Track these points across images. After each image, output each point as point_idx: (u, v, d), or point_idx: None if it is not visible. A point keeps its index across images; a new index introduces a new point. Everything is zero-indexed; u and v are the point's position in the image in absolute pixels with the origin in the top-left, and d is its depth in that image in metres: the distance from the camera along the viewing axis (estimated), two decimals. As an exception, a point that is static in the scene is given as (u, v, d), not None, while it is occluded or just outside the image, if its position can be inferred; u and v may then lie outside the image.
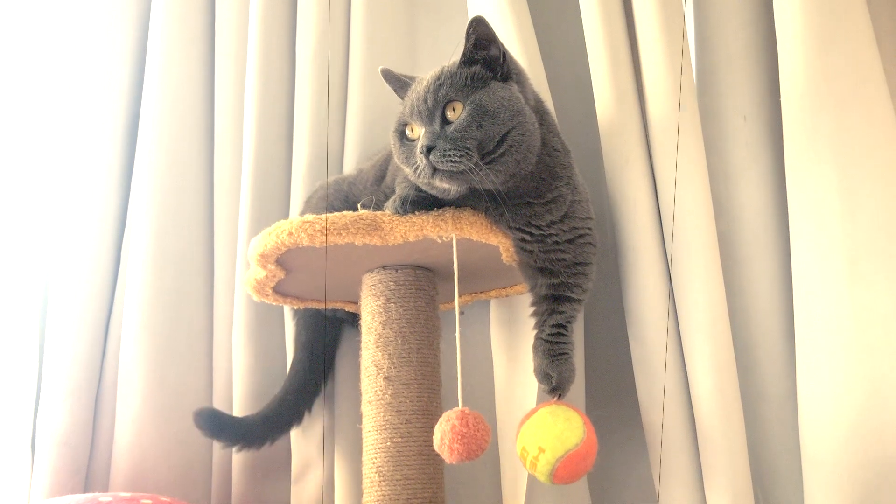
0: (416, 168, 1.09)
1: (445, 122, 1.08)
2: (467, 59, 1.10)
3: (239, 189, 1.63)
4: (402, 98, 1.17)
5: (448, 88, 1.08)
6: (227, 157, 1.69)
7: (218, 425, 1.43)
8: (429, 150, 1.05)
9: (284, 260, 1.23)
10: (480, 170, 1.06)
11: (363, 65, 1.58)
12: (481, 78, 1.09)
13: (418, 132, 1.10)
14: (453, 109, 1.08)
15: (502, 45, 1.11)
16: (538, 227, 1.17)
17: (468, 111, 1.07)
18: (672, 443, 1.23)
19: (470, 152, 1.05)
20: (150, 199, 1.66)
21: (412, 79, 1.17)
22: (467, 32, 1.08)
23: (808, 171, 1.18)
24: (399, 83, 1.19)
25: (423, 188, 1.14)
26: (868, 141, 1.15)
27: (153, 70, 1.72)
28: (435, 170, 1.06)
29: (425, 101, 1.09)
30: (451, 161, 1.05)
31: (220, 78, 1.74)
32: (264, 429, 1.45)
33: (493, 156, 1.07)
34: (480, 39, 1.09)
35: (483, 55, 1.10)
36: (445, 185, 1.09)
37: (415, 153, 1.09)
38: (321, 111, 1.59)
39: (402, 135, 1.14)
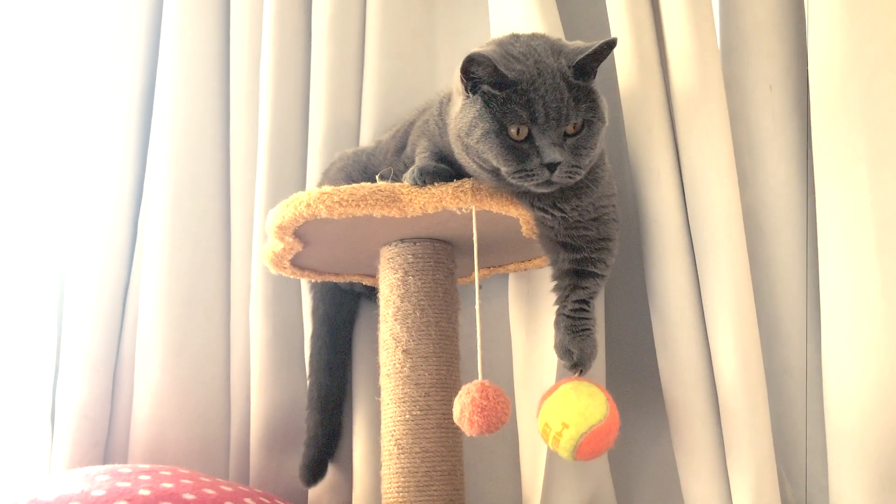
0: (527, 174, 1.05)
1: (565, 133, 1.06)
2: (584, 71, 1.07)
3: (255, 161, 1.62)
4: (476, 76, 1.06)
5: (578, 106, 1.05)
6: (243, 130, 1.67)
7: (322, 460, 1.49)
8: (553, 166, 1.04)
9: (302, 232, 1.22)
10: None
11: (379, 35, 1.56)
12: (593, 92, 1.08)
13: (524, 133, 1.05)
14: (574, 124, 1.06)
15: None
16: (561, 209, 1.15)
17: (589, 130, 1.06)
18: (694, 418, 1.21)
19: (584, 170, 1.07)
20: (167, 171, 1.65)
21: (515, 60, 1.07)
22: (596, 49, 1.05)
23: (836, 141, 1.15)
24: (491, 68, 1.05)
25: (510, 186, 1.10)
26: (899, 109, 1.12)
27: (168, 43, 1.71)
28: (549, 182, 1.06)
29: (557, 118, 1.04)
30: (570, 178, 1.06)
31: (235, 50, 1.72)
32: (332, 418, 1.49)
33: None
34: (601, 56, 1.07)
35: (594, 67, 1.08)
36: (543, 191, 1.09)
37: (527, 158, 1.04)
38: (337, 82, 1.57)
39: (501, 130, 1.05)
